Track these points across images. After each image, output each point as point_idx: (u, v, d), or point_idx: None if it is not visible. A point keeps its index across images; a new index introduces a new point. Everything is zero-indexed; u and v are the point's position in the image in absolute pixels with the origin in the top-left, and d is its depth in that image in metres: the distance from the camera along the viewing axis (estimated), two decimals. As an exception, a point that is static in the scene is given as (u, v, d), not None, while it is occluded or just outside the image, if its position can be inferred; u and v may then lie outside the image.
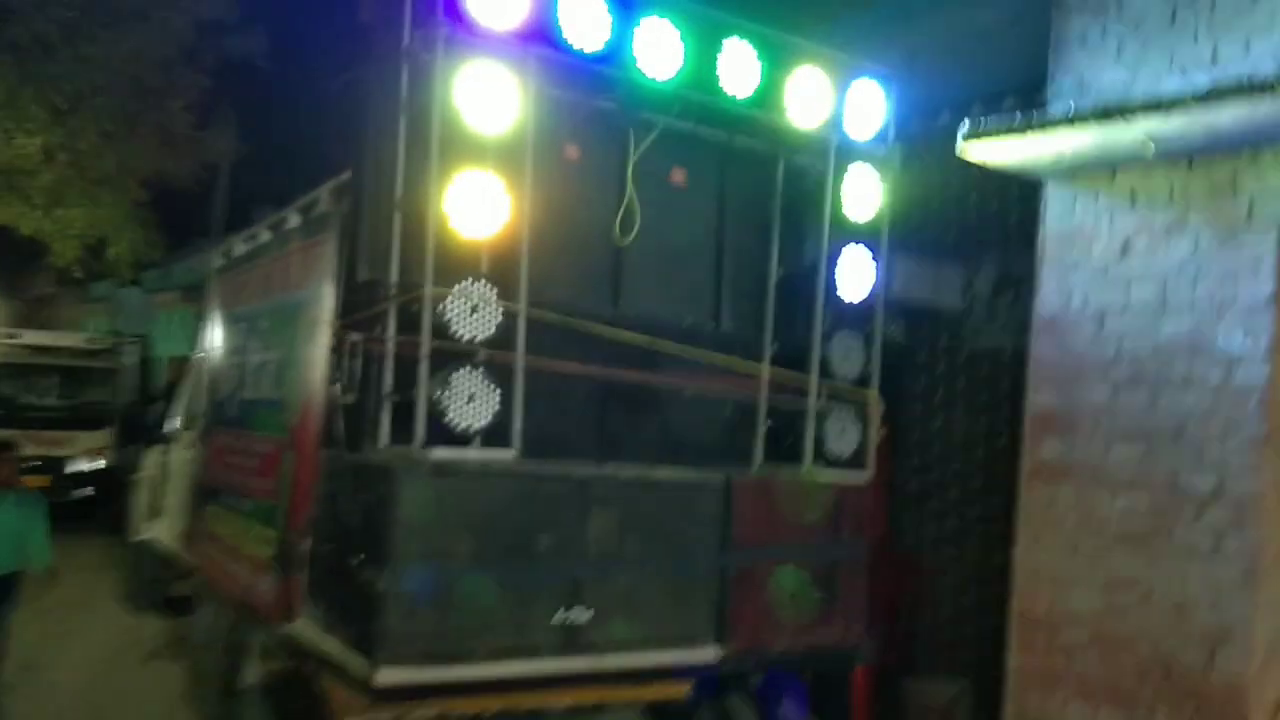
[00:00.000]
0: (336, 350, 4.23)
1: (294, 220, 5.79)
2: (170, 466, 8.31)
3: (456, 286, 3.65)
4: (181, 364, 13.58)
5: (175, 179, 10.20)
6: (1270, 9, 3.76)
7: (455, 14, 3.67)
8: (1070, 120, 3.81)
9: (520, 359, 3.75)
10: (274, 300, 5.63)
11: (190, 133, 9.79)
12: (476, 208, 3.70)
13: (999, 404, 6.06)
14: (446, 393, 3.60)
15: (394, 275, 3.85)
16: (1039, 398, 4.41)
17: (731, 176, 4.96)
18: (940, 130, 6.58)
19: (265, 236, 6.29)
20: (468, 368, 3.65)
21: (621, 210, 4.50)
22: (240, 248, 6.87)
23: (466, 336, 3.67)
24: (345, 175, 4.90)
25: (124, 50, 8.64)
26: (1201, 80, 3.92)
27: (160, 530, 8.05)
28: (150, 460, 8.76)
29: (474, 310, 3.69)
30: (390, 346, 3.83)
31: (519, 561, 3.76)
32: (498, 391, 3.70)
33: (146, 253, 11.38)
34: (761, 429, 4.81)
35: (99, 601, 8.80)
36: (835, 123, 4.64)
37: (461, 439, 3.62)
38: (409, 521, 3.55)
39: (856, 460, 4.67)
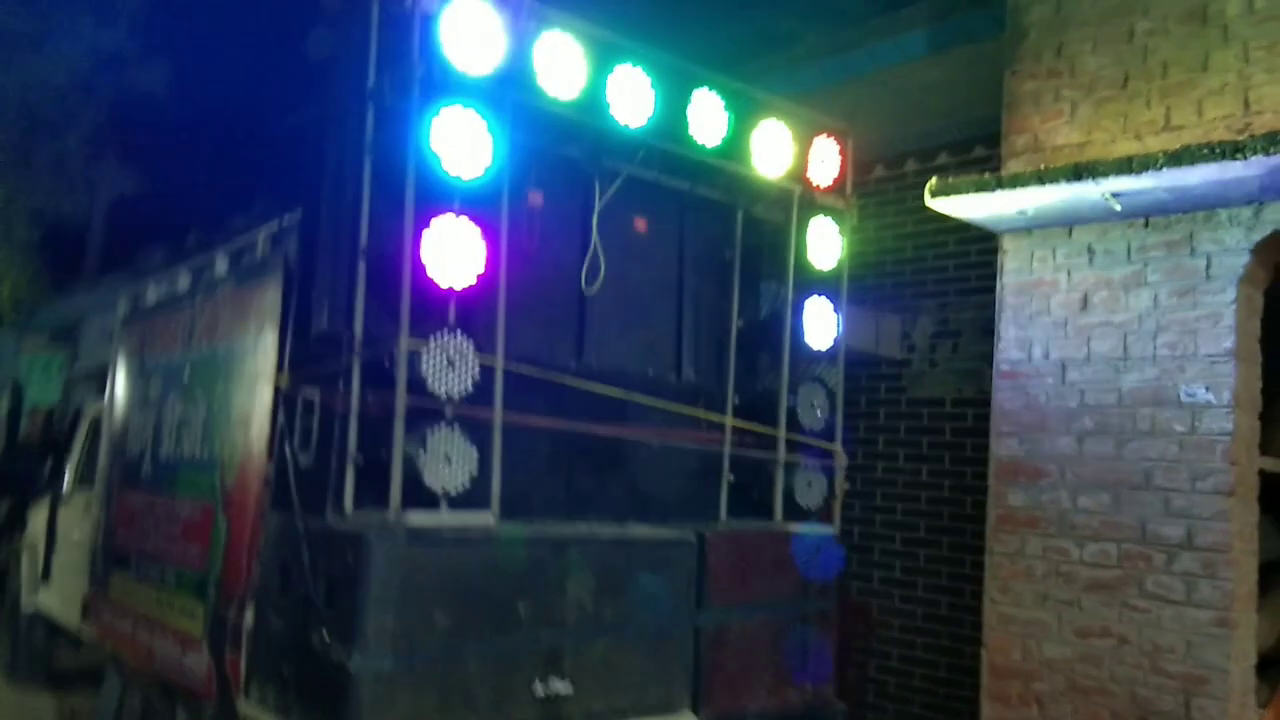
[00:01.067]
0: (288, 406, 3.95)
1: (221, 266, 5.45)
2: (60, 529, 7.69)
3: (433, 339, 3.45)
4: (49, 414, 12.63)
5: (69, 216, 9.53)
6: (1221, 77, 3.95)
7: (430, 56, 3.51)
8: (1040, 178, 3.89)
9: (498, 416, 3.57)
10: (198, 350, 5.26)
11: (86, 167, 9.19)
12: (451, 256, 3.52)
13: (940, 452, 6.14)
14: (422, 453, 3.39)
15: (359, 326, 3.64)
16: (1003, 448, 4.46)
17: (690, 226, 4.90)
18: (874, 184, 6.73)
19: (183, 282, 5.90)
20: (444, 426, 3.45)
21: (587, 259, 4.39)
22: (152, 293, 6.42)
23: (444, 393, 3.47)
24: (287, 218, 4.64)
25: (16, 80, 8.06)
26: (1155, 143, 4.08)
27: (50, 598, 7.39)
28: (35, 521, 8.07)
29: (450, 364, 3.49)
30: (354, 403, 3.60)
31: (498, 632, 3.53)
32: (475, 451, 3.51)
33: (32, 294, 10.57)
34: (726, 482, 4.74)
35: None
36: (797, 175, 4.65)
37: (438, 502, 3.41)
38: (383, 593, 3.29)
39: (823, 513, 4.64)
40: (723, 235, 4.98)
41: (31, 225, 9.54)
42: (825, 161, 4.75)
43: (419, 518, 3.36)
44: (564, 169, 4.30)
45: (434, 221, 3.49)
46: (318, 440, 3.75)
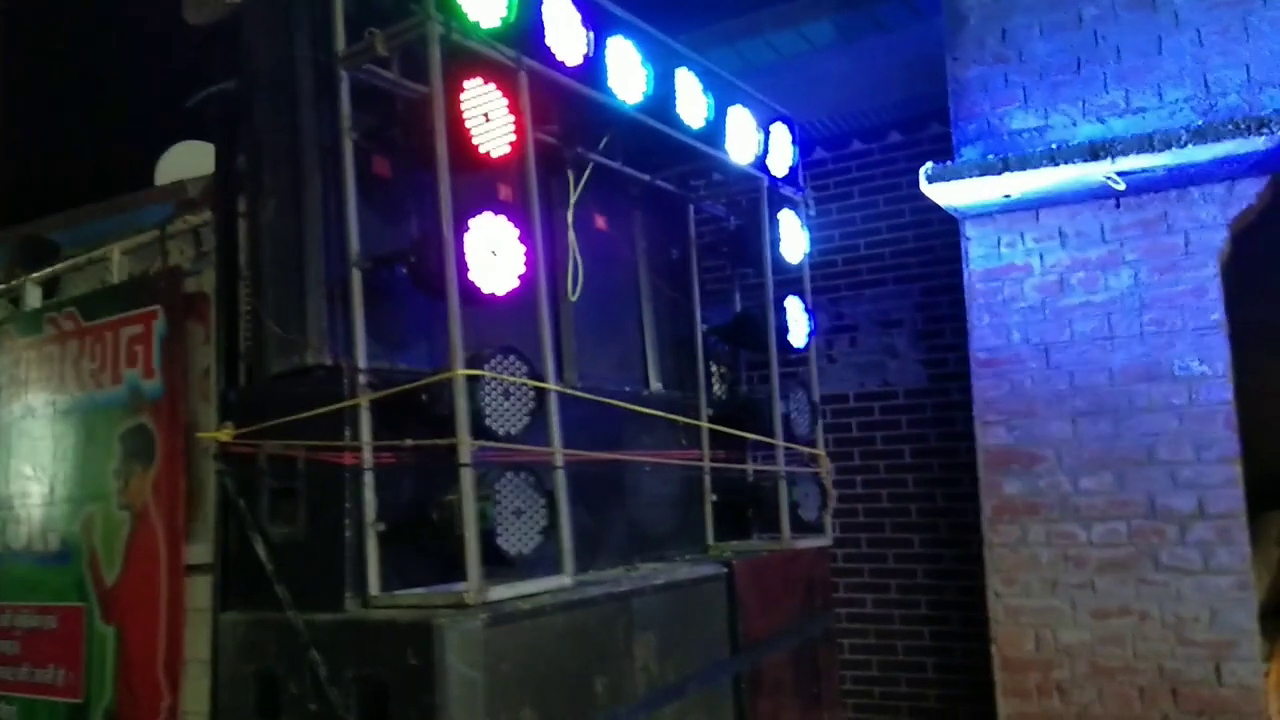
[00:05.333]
0: (236, 469, 3.00)
1: (34, 296, 4.18)
2: None
3: (488, 365, 2.74)
4: None
5: None
6: (1177, 61, 4.10)
7: (445, 7, 2.79)
8: (1053, 158, 3.83)
9: (558, 454, 2.90)
10: (18, 409, 3.99)
11: None
12: (492, 259, 2.82)
13: (848, 449, 6.04)
14: (494, 509, 2.67)
15: (361, 357, 2.82)
16: (990, 437, 4.38)
17: (643, 223, 4.41)
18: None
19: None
20: (511, 473, 2.75)
21: (570, 262, 3.77)
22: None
23: (502, 430, 2.76)
24: (173, 226, 3.62)
25: None
26: (1119, 125, 4.17)
27: None
28: None
29: (506, 395, 2.79)
30: (367, 456, 2.78)
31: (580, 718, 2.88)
32: (543, 501, 2.83)
33: None
34: (709, 502, 4.30)
35: None
36: (761, 164, 4.32)
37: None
38: (465, 695, 2.53)
39: (818, 525, 4.33)
40: (675, 231, 4.54)
41: None
42: (781, 150, 4.45)
43: (501, 590, 2.64)
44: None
45: (473, 221, 2.76)
46: (307, 509, 2.86)
